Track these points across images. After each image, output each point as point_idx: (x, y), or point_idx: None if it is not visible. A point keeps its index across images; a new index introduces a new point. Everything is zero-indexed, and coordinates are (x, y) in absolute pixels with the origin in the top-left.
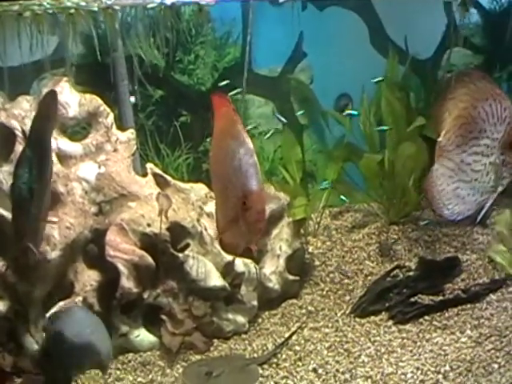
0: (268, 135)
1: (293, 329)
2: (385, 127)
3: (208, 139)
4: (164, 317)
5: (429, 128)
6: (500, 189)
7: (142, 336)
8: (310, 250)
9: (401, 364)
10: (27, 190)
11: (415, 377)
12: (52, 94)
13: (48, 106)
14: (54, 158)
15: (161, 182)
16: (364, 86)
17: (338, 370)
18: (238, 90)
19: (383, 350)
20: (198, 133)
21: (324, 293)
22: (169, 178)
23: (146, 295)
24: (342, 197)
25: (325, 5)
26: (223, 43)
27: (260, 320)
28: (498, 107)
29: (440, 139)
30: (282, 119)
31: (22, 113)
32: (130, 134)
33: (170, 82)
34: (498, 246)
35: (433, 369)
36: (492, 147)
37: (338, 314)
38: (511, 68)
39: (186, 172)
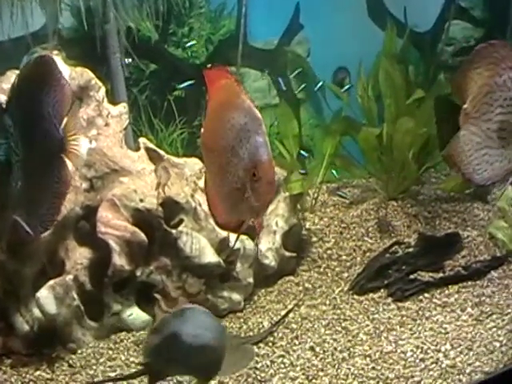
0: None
1: (289, 306)
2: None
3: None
4: (157, 295)
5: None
6: None
7: (135, 315)
8: (307, 226)
9: (400, 342)
10: (3, 162)
11: (415, 355)
12: (45, 60)
13: (37, 71)
14: None
15: (154, 157)
16: (362, 59)
17: (335, 349)
18: None
19: (382, 327)
20: (193, 107)
21: (321, 270)
22: (162, 152)
23: (138, 273)
24: (334, 172)
25: None
26: (218, 15)
27: (256, 297)
28: None
29: (466, 106)
30: (282, 85)
31: None
32: (122, 108)
33: (164, 56)
34: (499, 222)
35: (433, 347)
36: None
37: (336, 292)
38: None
39: (181, 147)
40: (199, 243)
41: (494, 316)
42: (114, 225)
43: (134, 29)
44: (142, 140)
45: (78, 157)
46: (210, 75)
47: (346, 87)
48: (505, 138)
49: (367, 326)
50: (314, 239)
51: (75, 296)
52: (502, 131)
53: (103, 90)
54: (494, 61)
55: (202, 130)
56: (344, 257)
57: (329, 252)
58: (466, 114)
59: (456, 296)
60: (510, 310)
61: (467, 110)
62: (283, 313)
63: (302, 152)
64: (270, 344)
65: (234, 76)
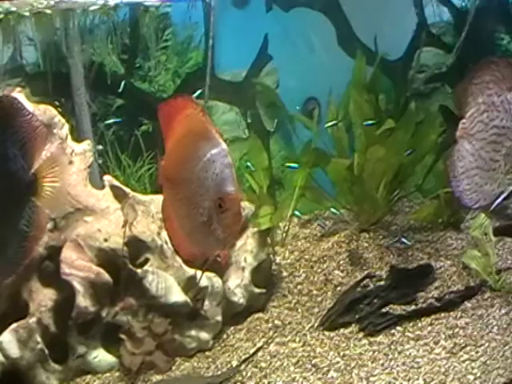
0: None
1: (259, 344)
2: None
3: None
4: (123, 336)
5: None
6: None
7: (101, 357)
8: (277, 260)
9: (372, 378)
10: None
11: None
12: (9, 100)
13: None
14: None
15: (119, 195)
16: (332, 89)
17: None
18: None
19: (353, 364)
20: (161, 142)
21: (292, 305)
22: (127, 189)
23: (104, 313)
24: (296, 212)
25: (290, 6)
26: (185, 48)
27: (225, 336)
28: None
29: (464, 121)
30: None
31: None
32: (87, 145)
33: (131, 90)
34: (473, 251)
35: (405, 382)
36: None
37: (306, 328)
38: None
39: (149, 182)
40: (165, 282)
41: (468, 348)
42: (78, 265)
43: (100, 63)
44: (106, 178)
45: (54, 200)
46: (176, 104)
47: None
48: (497, 160)
49: (338, 362)
50: (285, 274)
51: (39, 339)
52: (495, 153)
53: (67, 127)
54: (495, 79)
55: (164, 161)
56: (315, 291)
57: (299, 287)
58: (462, 129)
59: (429, 328)
60: (483, 341)
61: (465, 125)
62: (252, 351)
63: (292, 165)
64: (239, 383)
65: (199, 106)
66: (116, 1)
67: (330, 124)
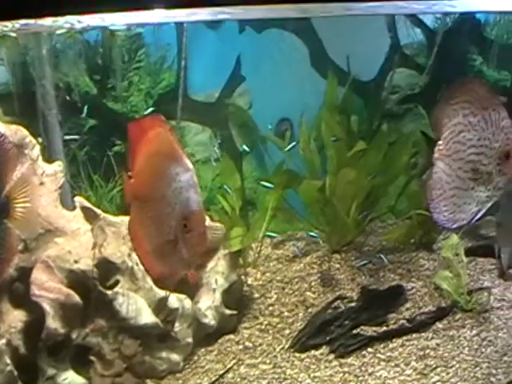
0: None
1: (229, 366)
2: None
3: None
4: (93, 358)
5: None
6: (494, 199)
7: (71, 379)
8: (249, 281)
9: None
10: None
11: None
12: None
13: None
14: None
15: (90, 216)
16: (305, 110)
17: None
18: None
19: None
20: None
21: (263, 327)
22: (98, 211)
23: (74, 335)
24: (270, 233)
25: (263, 27)
26: (158, 69)
27: (196, 357)
28: (497, 116)
29: (440, 142)
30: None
31: None
32: (57, 166)
33: (103, 111)
34: (444, 272)
35: None
36: (489, 157)
37: (277, 349)
38: None
39: (121, 203)
40: (136, 304)
41: (439, 369)
42: (48, 287)
43: (72, 84)
44: (77, 199)
45: (25, 221)
46: (145, 123)
47: (291, 145)
48: (476, 179)
49: None
50: (256, 295)
51: (8, 361)
52: (474, 172)
53: (38, 147)
54: (470, 99)
55: (132, 180)
56: (286, 313)
57: (270, 308)
58: (439, 150)
59: (400, 350)
60: (454, 363)
61: (441, 147)
62: (221, 372)
63: (266, 184)
64: None
65: (167, 125)
66: (82, 25)
67: (288, 148)
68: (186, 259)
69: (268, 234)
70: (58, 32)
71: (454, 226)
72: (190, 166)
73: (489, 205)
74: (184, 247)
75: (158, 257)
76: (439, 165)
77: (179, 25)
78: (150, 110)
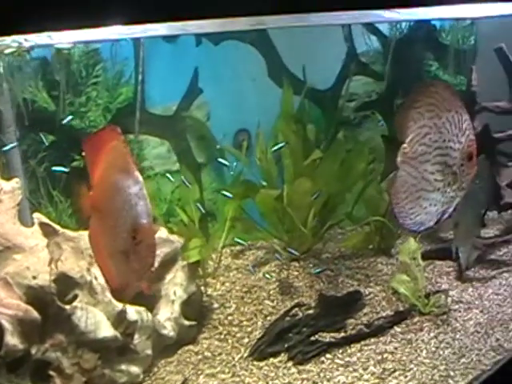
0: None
1: (186, 376)
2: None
3: None
4: (52, 372)
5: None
6: (458, 200)
7: None
8: (208, 292)
9: None
10: None
11: None
12: None
13: None
14: None
15: (48, 232)
16: (262, 120)
17: None
18: None
19: None
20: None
21: (222, 336)
22: (57, 226)
23: (33, 351)
24: (238, 239)
25: (219, 39)
26: (115, 83)
27: (156, 369)
28: (460, 118)
29: (404, 145)
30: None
31: None
32: (15, 183)
33: (61, 126)
34: (402, 276)
35: None
36: (454, 158)
37: (236, 358)
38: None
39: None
40: (95, 317)
41: (397, 373)
42: (6, 304)
43: (30, 100)
44: (35, 215)
45: None
46: (103, 136)
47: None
48: (442, 180)
49: None
50: (216, 305)
51: None
52: (439, 173)
53: None
54: (435, 102)
55: (91, 192)
56: (245, 322)
57: (230, 318)
58: (404, 153)
59: (358, 354)
60: (412, 366)
61: (405, 150)
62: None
63: (226, 193)
64: None
65: (122, 137)
66: (30, 43)
67: (222, 161)
68: (136, 270)
69: (237, 240)
70: (7, 51)
71: (421, 228)
72: (140, 178)
73: (453, 205)
74: (134, 259)
75: (113, 268)
76: (404, 168)
77: (136, 39)
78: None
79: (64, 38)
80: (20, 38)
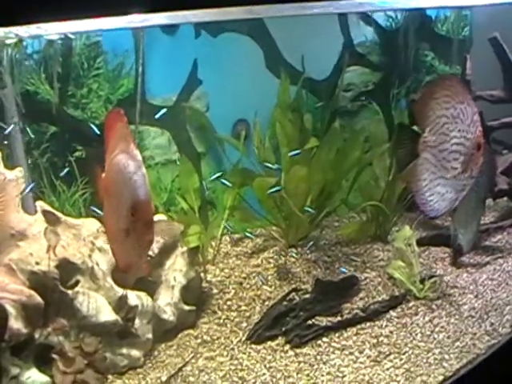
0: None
1: (187, 359)
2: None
3: None
4: (55, 356)
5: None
6: (468, 187)
7: (34, 377)
8: (208, 278)
9: None
10: None
11: None
12: None
13: None
14: None
15: (51, 220)
16: (260, 111)
17: None
18: None
19: (279, 375)
20: (94, 167)
21: (221, 321)
22: (59, 214)
23: (36, 335)
24: (247, 233)
25: (218, 31)
26: (116, 75)
27: (156, 353)
28: (471, 110)
29: (425, 135)
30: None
31: None
32: (19, 172)
33: (63, 118)
34: (397, 262)
35: None
36: (466, 147)
37: (234, 342)
38: (409, 84)
39: (84, 207)
40: (96, 302)
41: (392, 356)
42: (10, 289)
43: (33, 92)
44: (38, 203)
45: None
46: (110, 119)
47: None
48: (456, 167)
49: (264, 374)
50: (215, 291)
51: None
52: (454, 161)
53: None
54: (450, 94)
55: (104, 174)
56: (243, 307)
57: (229, 303)
58: (424, 142)
59: (354, 338)
60: (407, 349)
61: (426, 139)
62: (179, 366)
63: (224, 181)
64: None
65: (125, 119)
66: (24, 35)
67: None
68: (136, 248)
69: (246, 234)
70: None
71: (438, 214)
72: (139, 157)
73: (464, 193)
74: (133, 236)
75: (119, 247)
76: (425, 156)
77: (136, 31)
78: None
79: (63, 29)
80: (21, 29)
